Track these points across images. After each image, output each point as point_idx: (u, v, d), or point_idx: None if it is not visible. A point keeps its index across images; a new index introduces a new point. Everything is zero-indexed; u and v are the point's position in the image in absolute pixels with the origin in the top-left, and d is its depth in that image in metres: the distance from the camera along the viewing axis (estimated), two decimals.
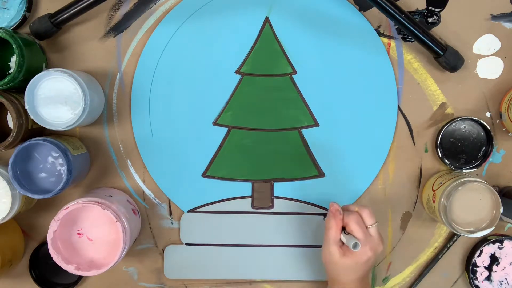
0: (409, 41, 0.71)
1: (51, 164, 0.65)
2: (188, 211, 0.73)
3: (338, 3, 0.71)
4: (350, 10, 0.71)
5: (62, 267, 0.62)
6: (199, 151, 0.72)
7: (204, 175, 0.72)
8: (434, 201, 0.68)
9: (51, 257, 0.62)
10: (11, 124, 0.68)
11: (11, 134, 0.63)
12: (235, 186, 0.72)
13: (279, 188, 0.73)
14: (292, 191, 0.73)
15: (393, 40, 0.71)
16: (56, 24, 0.66)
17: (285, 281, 0.74)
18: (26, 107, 0.62)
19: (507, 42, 0.71)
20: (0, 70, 0.66)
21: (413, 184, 0.73)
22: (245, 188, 0.72)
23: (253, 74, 0.71)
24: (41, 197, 0.63)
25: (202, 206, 0.72)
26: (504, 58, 0.72)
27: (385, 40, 0.71)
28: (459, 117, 0.71)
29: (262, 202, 0.73)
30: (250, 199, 0.73)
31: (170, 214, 0.73)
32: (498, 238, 0.72)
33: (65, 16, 0.66)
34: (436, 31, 0.71)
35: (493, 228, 0.65)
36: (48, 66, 0.69)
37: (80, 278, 0.72)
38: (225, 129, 0.72)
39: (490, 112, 0.72)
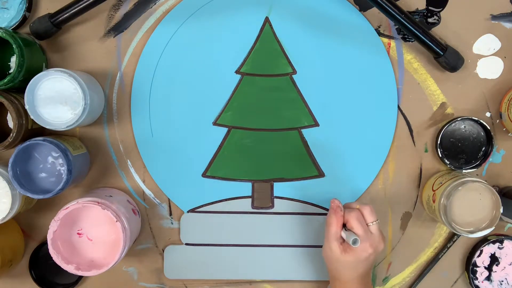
0: (409, 41, 0.71)
1: (51, 164, 0.65)
2: (188, 211, 0.73)
3: (338, 3, 0.71)
4: (350, 10, 0.71)
5: (62, 267, 0.62)
6: (199, 151, 0.72)
7: (204, 175, 0.72)
8: (434, 201, 0.68)
9: (51, 257, 0.62)
10: (11, 124, 0.68)
11: (11, 134, 0.63)
12: (235, 186, 0.72)
13: (279, 188, 0.73)
14: (292, 191, 0.73)
15: (393, 40, 0.71)
16: (56, 24, 0.66)
17: (285, 281, 0.74)
18: (26, 107, 0.62)
19: (507, 42, 0.71)
20: (0, 70, 0.66)
21: (413, 184, 0.73)
22: (245, 188, 0.72)
23: (253, 74, 0.71)
24: (41, 197, 0.63)
25: (202, 206, 0.72)
26: (504, 58, 0.72)
27: (385, 40, 0.71)
28: (459, 117, 0.71)
29: (262, 202, 0.73)
30: (250, 199, 0.73)
31: (170, 214, 0.73)
32: (498, 238, 0.72)
33: (65, 16, 0.66)
34: (436, 31, 0.71)
35: (493, 228, 0.65)
36: (48, 66, 0.69)
37: (80, 278, 0.72)
38: (225, 129, 0.72)
39: (490, 112, 0.72)
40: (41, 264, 0.72)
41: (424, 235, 0.74)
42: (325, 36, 0.71)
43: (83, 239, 0.65)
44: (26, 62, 0.62)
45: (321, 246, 0.73)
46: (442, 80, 0.72)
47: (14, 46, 0.61)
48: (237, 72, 0.71)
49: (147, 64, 0.71)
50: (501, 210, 0.65)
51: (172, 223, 0.73)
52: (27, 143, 0.62)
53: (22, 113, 0.63)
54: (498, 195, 0.65)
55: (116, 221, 0.63)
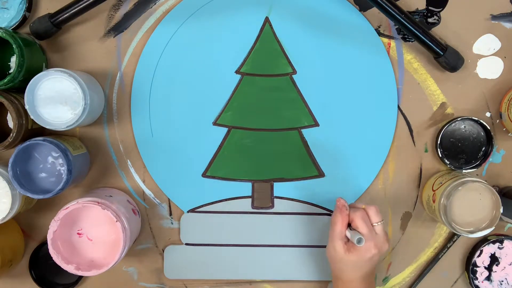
0: (409, 41, 0.71)
1: (51, 164, 0.65)
2: (188, 211, 0.73)
3: (338, 3, 0.71)
4: (350, 10, 0.71)
5: (62, 267, 0.62)
6: (199, 151, 0.72)
7: (204, 175, 0.72)
8: (434, 201, 0.68)
9: (51, 257, 0.62)
10: (11, 124, 0.68)
11: (11, 134, 0.63)
12: (235, 186, 0.72)
13: (279, 188, 0.73)
14: (292, 191, 0.73)
15: (393, 40, 0.71)
16: (56, 24, 0.66)
17: (285, 281, 0.74)
18: (26, 107, 0.62)
19: (507, 42, 0.71)
20: (0, 70, 0.66)
21: (413, 184, 0.73)
22: (245, 188, 0.72)
23: (253, 74, 0.71)
24: (41, 197, 0.63)
25: (202, 206, 0.72)
26: (504, 58, 0.72)
27: (385, 40, 0.71)
28: (459, 117, 0.71)
29: (262, 202, 0.73)
30: (250, 199, 0.73)
31: (170, 214, 0.73)
32: (498, 238, 0.72)
33: (65, 16, 0.66)
34: (436, 31, 0.71)
35: (493, 228, 0.65)
36: (48, 66, 0.69)
37: (80, 278, 0.72)
38: (225, 129, 0.72)
39: (490, 112, 0.72)
40: (41, 264, 0.72)
41: (424, 235, 0.74)
42: (325, 36, 0.71)
43: (83, 239, 0.65)
44: (26, 62, 0.62)
45: (321, 246, 0.73)
46: (442, 80, 0.72)
47: (14, 46, 0.61)
48: (237, 72, 0.71)
49: (147, 64, 0.71)
50: (501, 210, 0.65)
51: (172, 223, 0.73)
52: (27, 143, 0.62)
53: (22, 113, 0.63)
54: (498, 195, 0.65)
55: (116, 221, 0.63)
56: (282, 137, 0.72)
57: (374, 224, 0.63)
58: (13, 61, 0.67)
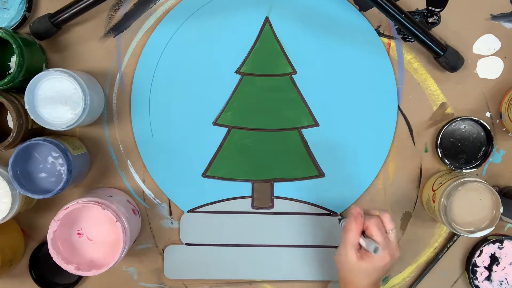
0: (409, 41, 0.71)
1: (51, 164, 0.65)
2: (188, 211, 0.73)
3: (338, 3, 0.71)
4: (350, 10, 0.71)
5: (62, 267, 0.62)
6: (199, 151, 0.72)
7: (204, 175, 0.72)
8: (434, 201, 0.68)
9: (51, 257, 0.62)
10: (11, 124, 0.68)
11: (11, 134, 0.63)
12: (235, 186, 0.72)
13: (279, 188, 0.73)
14: (292, 191, 0.73)
15: (393, 40, 0.71)
16: (56, 24, 0.66)
17: (285, 281, 0.74)
18: (26, 107, 0.62)
19: (507, 42, 0.71)
20: (0, 70, 0.66)
21: (413, 184, 0.73)
22: (245, 188, 0.72)
23: (253, 74, 0.71)
24: (41, 197, 0.63)
25: (202, 206, 0.72)
26: (504, 58, 0.72)
27: (385, 40, 0.71)
28: (459, 117, 0.71)
29: (262, 202, 0.73)
30: (250, 199, 0.73)
31: (170, 214, 0.73)
32: (498, 238, 0.72)
33: (65, 16, 0.66)
34: (436, 31, 0.71)
35: (493, 228, 0.65)
36: (48, 66, 0.69)
37: (80, 278, 0.72)
38: (225, 129, 0.72)
39: (490, 112, 0.72)
40: (41, 264, 0.72)
41: (424, 235, 0.74)
42: (325, 36, 0.71)
43: (83, 239, 0.65)
44: (26, 62, 0.62)
45: (321, 246, 0.73)
46: (442, 80, 0.72)
47: (14, 46, 0.61)
48: (237, 72, 0.71)
49: (147, 64, 0.71)
50: (501, 210, 0.65)
51: (172, 223, 0.73)
52: (27, 143, 0.62)
53: (22, 113, 0.63)
54: (498, 195, 0.65)
55: (116, 221, 0.63)
56: (282, 137, 0.72)
57: (388, 231, 0.62)
58: (13, 61, 0.67)
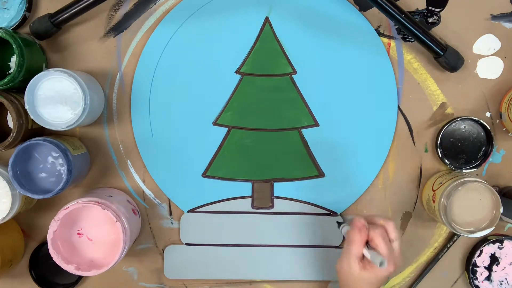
0: (409, 41, 0.71)
1: (51, 164, 0.65)
2: (188, 211, 0.73)
3: (338, 3, 0.71)
4: (350, 10, 0.71)
5: (62, 267, 0.62)
6: (199, 151, 0.72)
7: (204, 175, 0.72)
8: (434, 201, 0.68)
9: (51, 257, 0.62)
10: (11, 124, 0.68)
11: (11, 134, 0.63)
12: (235, 186, 0.72)
13: (279, 188, 0.73)
14: (292, 191, 0.73)
15: (393, 40, 0.71)
16: (56, 24, 0.66)
17: (285, 281, 0.74)
18: (26, 107, 0.62)
19: (507, 42, 0.71)
20: (0, 70, 0.66)
21: (413, 184, 0.73)
22: (245, 188, 0.72)
23: (253, 74, 0.71)
24: (41, 197, 0.63)
25: (202, 206, 0.72)
26: (504, 58, 0.72)
27: (385, 40, 0.71)
28: (459, 117, 0.71)
29: (262, 202, 0.73)
30: (250, 199, 0.73)
31: (170, 214, 0.73)
32: (498, 238, 0.72)
33: (65, 16, 0.66)
34: (436, 31, 0.71)
35: (493, 228, 0.65)
36: (48, 66, 0.69)
37: (80, 278, 0.72)
38: (225, 129, 0.72)
39: (490, 112, 0.72)
40: (41, 264, 0.72)
41: (424, 235, 0.74)
42: (325, 36, 0.71)
43: (83, 239, 0.65)
44: (26, 62, 0.62)
45: (322, 246, 0.73)
46: (442, 80, 0.72)
47: (14, 46, 0.61)
48: (237, 72, 0.71)
49: (147, 64, 0.71)
50: (501, 210, 0.65)
51: (172, 223, 0.73)
52: (27, 143, 0.62)
53: (22, 113, 0.63)
54: (498, 195, 0.65)
55: (116, 221, 0.63)
56: (282, 137, 0.72)
57: (392, 240, 0.61)
58: (13, 61, 0.67)
